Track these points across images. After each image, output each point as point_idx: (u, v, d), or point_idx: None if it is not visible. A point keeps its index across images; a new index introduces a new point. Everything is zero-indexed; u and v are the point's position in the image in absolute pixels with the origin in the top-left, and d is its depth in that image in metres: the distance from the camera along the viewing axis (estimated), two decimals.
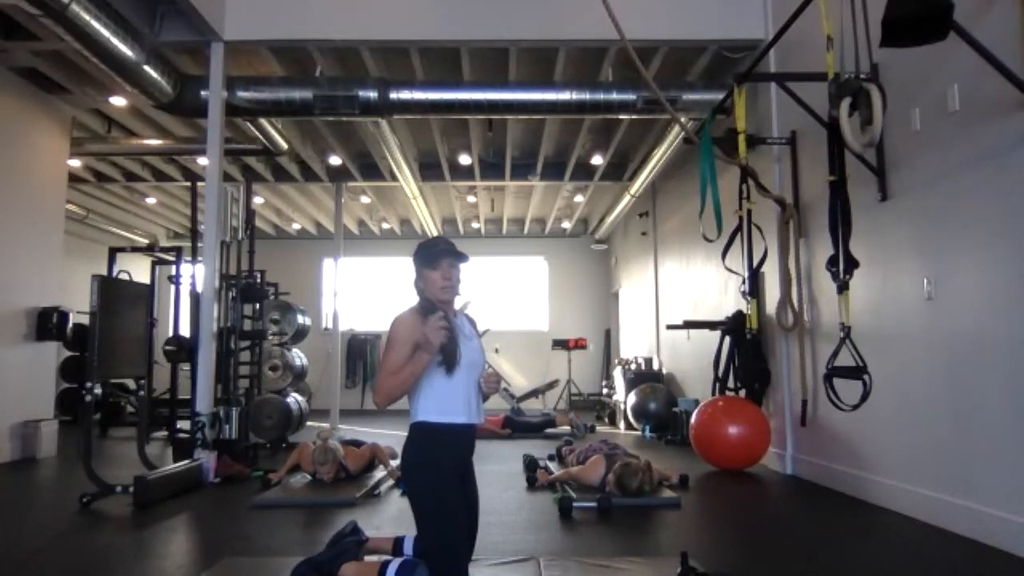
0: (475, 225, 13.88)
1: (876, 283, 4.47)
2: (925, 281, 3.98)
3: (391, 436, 7.05)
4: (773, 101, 5.98)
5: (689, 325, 7.25)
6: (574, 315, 14.23)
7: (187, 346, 5.93)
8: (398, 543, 2.91)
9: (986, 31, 3.36)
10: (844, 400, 3.98)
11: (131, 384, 8.82)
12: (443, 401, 2.42)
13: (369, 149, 9.19)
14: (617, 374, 10.28)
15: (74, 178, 8.77)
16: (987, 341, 3.50)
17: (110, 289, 5.10)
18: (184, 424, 6.33)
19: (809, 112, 4.72)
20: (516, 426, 8.68)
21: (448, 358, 2.37)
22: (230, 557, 3.35)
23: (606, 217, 12.34)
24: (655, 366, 10.03)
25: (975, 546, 3.45)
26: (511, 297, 14.48)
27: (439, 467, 2.40)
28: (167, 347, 7.04)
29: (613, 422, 10.15)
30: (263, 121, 7.19)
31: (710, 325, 6.89)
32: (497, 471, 5.84)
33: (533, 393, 10.98)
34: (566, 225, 13.96)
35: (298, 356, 8.13)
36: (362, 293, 14.07)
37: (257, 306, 7.14)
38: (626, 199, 10.38)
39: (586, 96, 6.49)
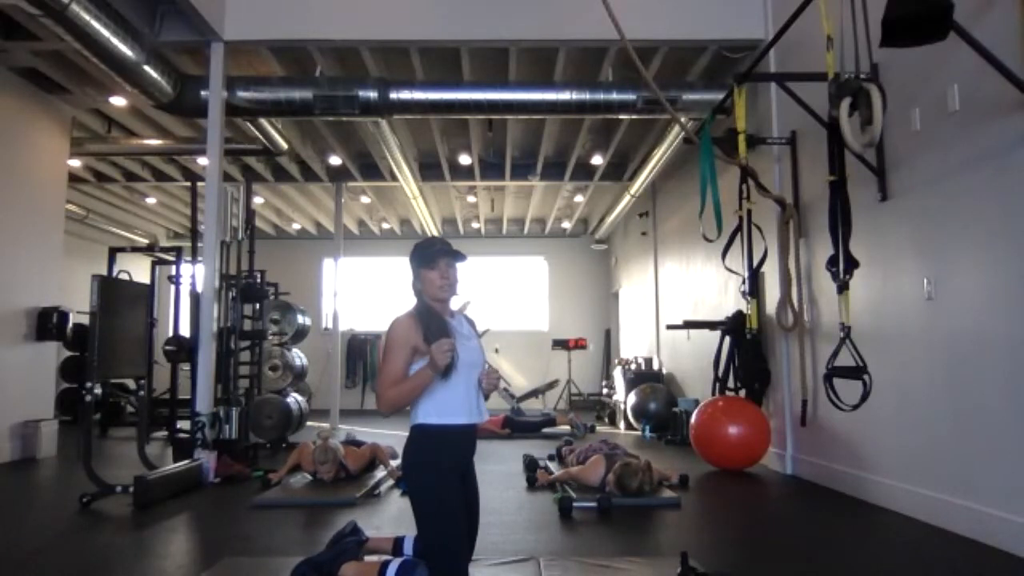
0: (475, 225, 13.88)
1: (876, 283, 4.47)
2: (925, 281, 3.98)
3: (391, 436, 7.04)
4: (773, 101, 5.98)
5: (689, 325, 7.25)
6: (574, 315, 14.23)
7: (187, 346, 5.93)
8: (398, 543, 2.91)
9: (986, 31, 3.36)
10: (844, 400, 3.98)
11: (131, 384, 8.82)
12: (442, 403, 2.42)
13: (369, 149, 9.19)
14: (617, 374, 10.28)
15: (74, 178, 8.77)
16: (987, 341, 3.50)
17: (110, 289, 5.09)
18: (184, 424, 6.32)
19: (809, 112, 4.72)
20: (516, 426, 8.68)
21: (445, 371, 2.38)
22: (230, 557, 3.35)
23: (606, 217, 12.34)
24: (655, 366, 10.03)
25: (975, 546, 3.45)
26: (511, 297, 14.48)
27: (439, 467, 2.41)
28: (167, 347, 7.04)
29: (613, 422, 10.15)
30: (263, 121, 7.19)
31: (710, 325, 6.89)
32: (497, 471, 5.84)
33: (533, 393, 10.98)
34: (566, 225, 13.96)
35: (298, 356, 8.13)
36: (362, 293, 14.07)
37: (257, 306, 7.14)
38: (626, 199, 10.38)
39: (586, 96, 6.49)
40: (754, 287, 5.81)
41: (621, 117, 7.21)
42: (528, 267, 14.67)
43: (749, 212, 5.65)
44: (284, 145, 7.93)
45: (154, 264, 8.22)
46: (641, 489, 4.48)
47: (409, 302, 2.56)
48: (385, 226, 13.66)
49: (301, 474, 5.30)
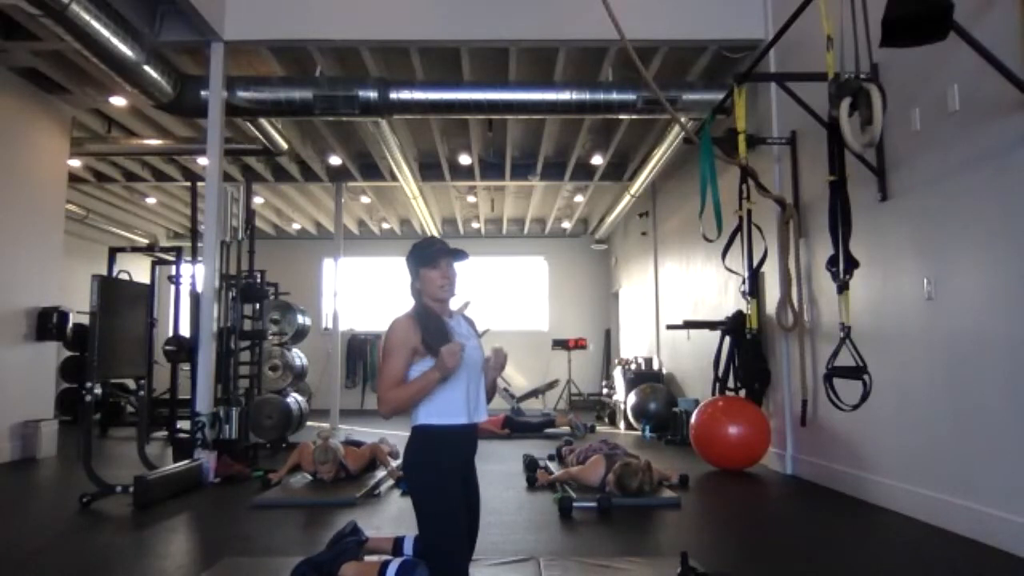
0: (475, 225, 13.88)
1: (876, 283, 4.47)
2: (925, 281, 3.98)
3: (391, 436, 7.03)
4: (773, 101, 5.98)
5: (689, 325, 7.25)
6: (574, 315, 14.23)
7: (187, 346, 5.93)
8: (398, 543, 2.91)
9: (986, 31, 3.36)
10: (844, 400, 3.98)
11: (131, 384, 8.82)
12: (443, 403, 2.41)
13: (369, 149, 9.19)
14: (617, 374, 10.28)
15: (74, 178, 8.77)
16: (987, 341, 3.50)
17: (110, 289, 5.09)
18: (184, 424, 6.32)
19: (809, 112, 4.72)
20: (516, 426, 8.68)
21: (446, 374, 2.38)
22: (230, 557, 3.35)
23: (606, 217, 12.34)
24: (655, 366, 10.03)
25: (975, 546, 3.45)
26: (511, 297, 14.48)
27: (439, 467, 2.41)
28: (167, 347, 7.04)
29: (613, 422, 10.15)
30: (263, 121, 7.19)
31: (710, 325, 6.89)
32: (497, 471, 5.84)
33: (533, 393, 10.98)
34: (566, 225, 13.96)
35: (298, 356, 8.13)
36: (362, 293, 14.07)
37: (257, 306, 7.14)
38: (626, 199, 10.38)
39: (586, 96, 6.49)
40: (754, 287, 5.81)
41: (621, 117, 7.21)
42: (528, 267, 14.67)
43: (749, 212, 5.65)
44: (284, 145, 7.93)
45: (154, 264, 8.22)
46: (641, 489, 4.48)
47: (408, 303, 2.55)
48: (385, 226, 13.66)
49: (301, 474, 5.30)
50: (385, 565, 2.59)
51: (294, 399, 7.83)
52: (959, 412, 3.71)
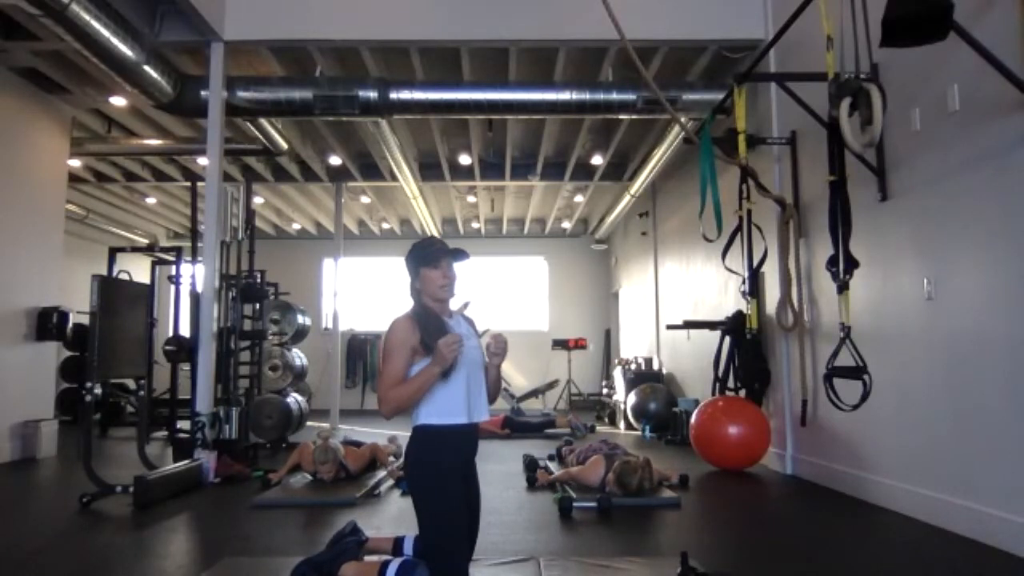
0: (475, 225, 13.88)
1: (876, 283, 4.47)
2: (925, 281, 3.98)
3: (401, 436, 7.03)
4: (773, 101, 5.98)
5: (689, 325, 7.25)
6: (574, 315, 14.23)
7: (187, 346, 5.93)
8: (398, 543, 2.91)
9: (986, 31, 3.36)
10: (844, 400, 3.98)
11: (131, 384, 8.83)
12: (443, 403, 2.41)
13: (369, 149, 9.19)
14: (617, 374, 10.28)
15: (74, 178, 8.77)
16: (987, 341, 3.50)
17: (110, 289, 5.09)
18: (184, 424, 6.32)
19: (809, 112, 4.72)
20: (516, 426, 8.68)
21: (447, 370, 2.38)
22: (230, 557, 3.35)
23: (606, 217, 12.34)
24: (655, 366, 10.03)
25: (975, 546, 3.45)
26: (511, 297, 14.48)
27: (440, 467, 2.41)
28: (167, 347, 7.04)
29: (613, 422, 10.15)
30: (263, 121, 7.19)
31: (710, 325, 6.89)
32: (497, 471, 5.84)
33: (533, 393, 10.98)
34: (566, 225, 13.96)
35: (298, 356, 8.13)
36: (362, 293, 14.07)
37: (257, 306, 7.14)
38: (626, 199, 10.39)
39: (586, 96, 6.49)
40: (754, 287, 5.81)
41: (621, 117, 7.21)
42: (528, 267, 14.67)
43: (749, 212, 5.65)
44: (284, 145, 7.93)
45: (154, 264, 8.22)
46: (641, 487, 4.48)
47: (408, 303, 2.55)
48: (385, 226, 13.66)
49: (301, 474, 5.30)
50: (385, 565, 2.59)
51: (294, 399, 7.83)
52: (959, 412, 3.71)
